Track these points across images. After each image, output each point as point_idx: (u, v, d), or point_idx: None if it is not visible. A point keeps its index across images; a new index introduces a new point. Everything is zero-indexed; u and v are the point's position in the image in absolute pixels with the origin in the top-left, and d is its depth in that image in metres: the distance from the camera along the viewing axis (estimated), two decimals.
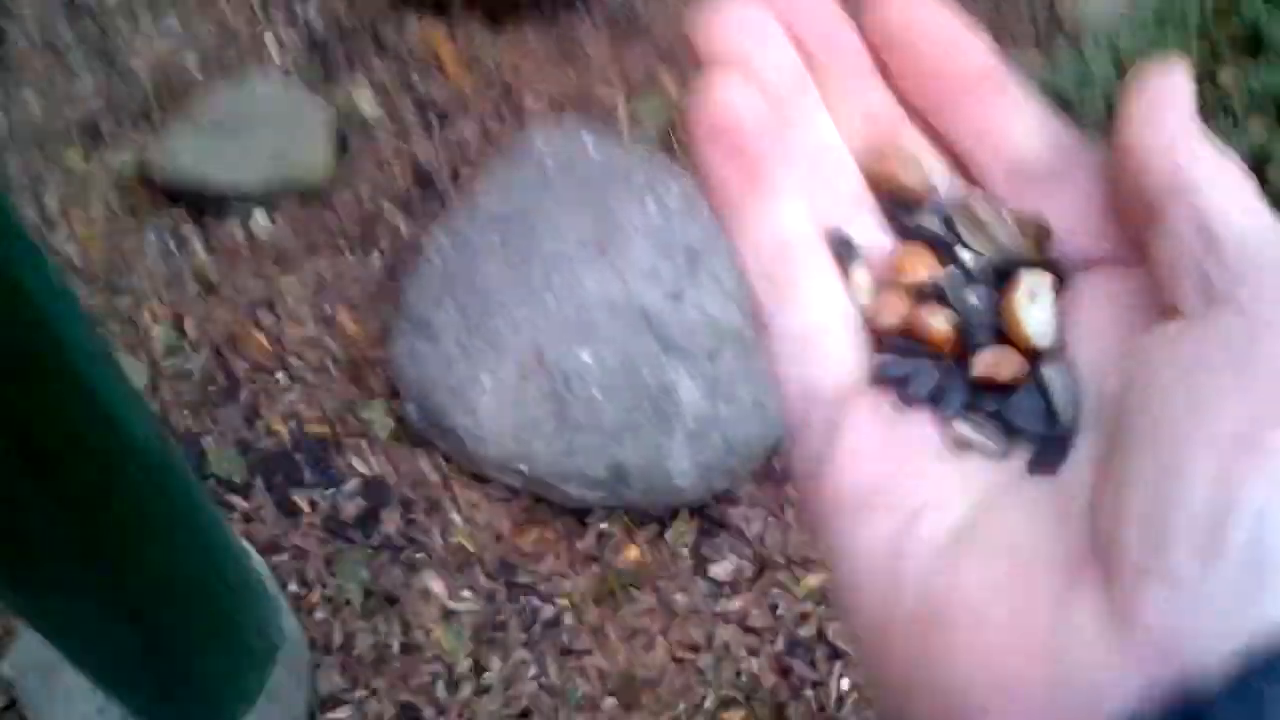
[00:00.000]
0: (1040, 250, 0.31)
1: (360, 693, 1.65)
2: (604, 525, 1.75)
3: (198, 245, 2.00)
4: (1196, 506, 0.23)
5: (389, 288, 1.93)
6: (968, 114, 0.32)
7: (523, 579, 1.72)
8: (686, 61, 1.85)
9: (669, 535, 1.74)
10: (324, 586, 1.73)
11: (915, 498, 0.29)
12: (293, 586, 1.72)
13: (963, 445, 0.30)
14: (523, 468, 1.74)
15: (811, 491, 0.31)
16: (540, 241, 1.81)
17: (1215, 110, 1.81)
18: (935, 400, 0.31)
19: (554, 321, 1.76)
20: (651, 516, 1.75)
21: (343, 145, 2.07)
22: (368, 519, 1.77)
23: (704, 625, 1.68)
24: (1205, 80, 1.83)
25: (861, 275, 0.32)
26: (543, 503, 1.76)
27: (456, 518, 1.76)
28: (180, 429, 1.83)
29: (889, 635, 0.28)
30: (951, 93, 0.32)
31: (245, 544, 1.61)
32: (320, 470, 1.80)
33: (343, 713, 1.64)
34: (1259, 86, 1.77)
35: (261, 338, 1.91)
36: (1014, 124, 0.32)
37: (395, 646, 1.69)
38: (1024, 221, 0.31)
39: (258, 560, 1.62)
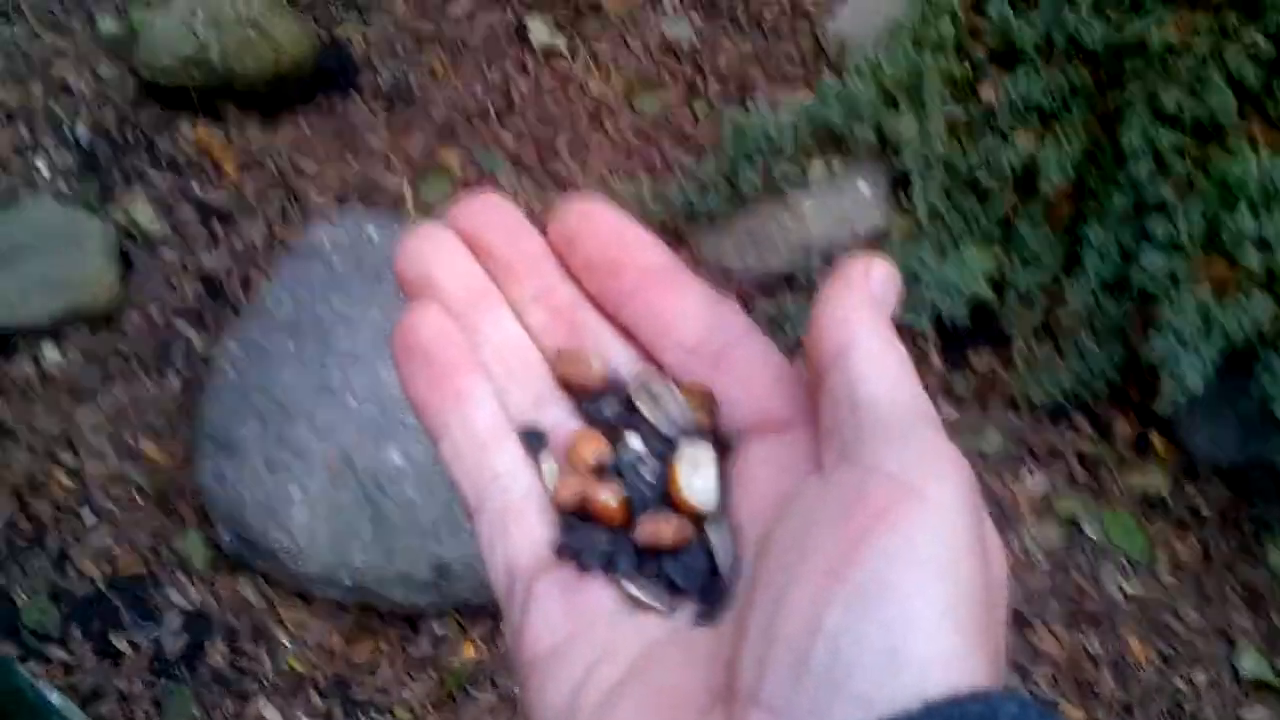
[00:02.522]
0: (710, 417, 0.38)
1: None
2: (436, 627, 1.84)
3: None
4: (791, 635, 0.29)
5: (189, 407, 1.99)
6: (645, 304, 0.40)
7: (359, 694, 1.80)
8: (467, 138, 1.95)
9: (504, 627, 1.82)
10: None
11: (591, 654, 0.35)
12: None
13: (635, 604, 0.36)
14: (345, 579, 1.82)
15: (515, 658, 0.37)
16: (335, 341, 1.90)
17: (980, 127, 1.96)
18: (607, 566, 0.37)
19: (358, 423, 1.84)
20: (484, 611, 1.84)
21: (127, 263, 2.14)
22: (193, 654, 1.83)
23: None
24: (969, 98, 1.99)
25: (548, 462, 0.39)
26: (371, 612, 1.84)
27: (285, 640, 1.84)
28: None
29: None
30: (630, 286, 0.40)
31: (59, 698, 1.66)
32: (138, 609, 1.86)
33: None
34: (1019, 97, 1.93)
35: (63, 477, 1.96)
36: (685, 311, 0.39)
37: None
38: (693, 393, 0.38)
39: (74, 712, 1.67)
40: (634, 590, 0.36)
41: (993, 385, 1.94)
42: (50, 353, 2.08)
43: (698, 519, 0.37)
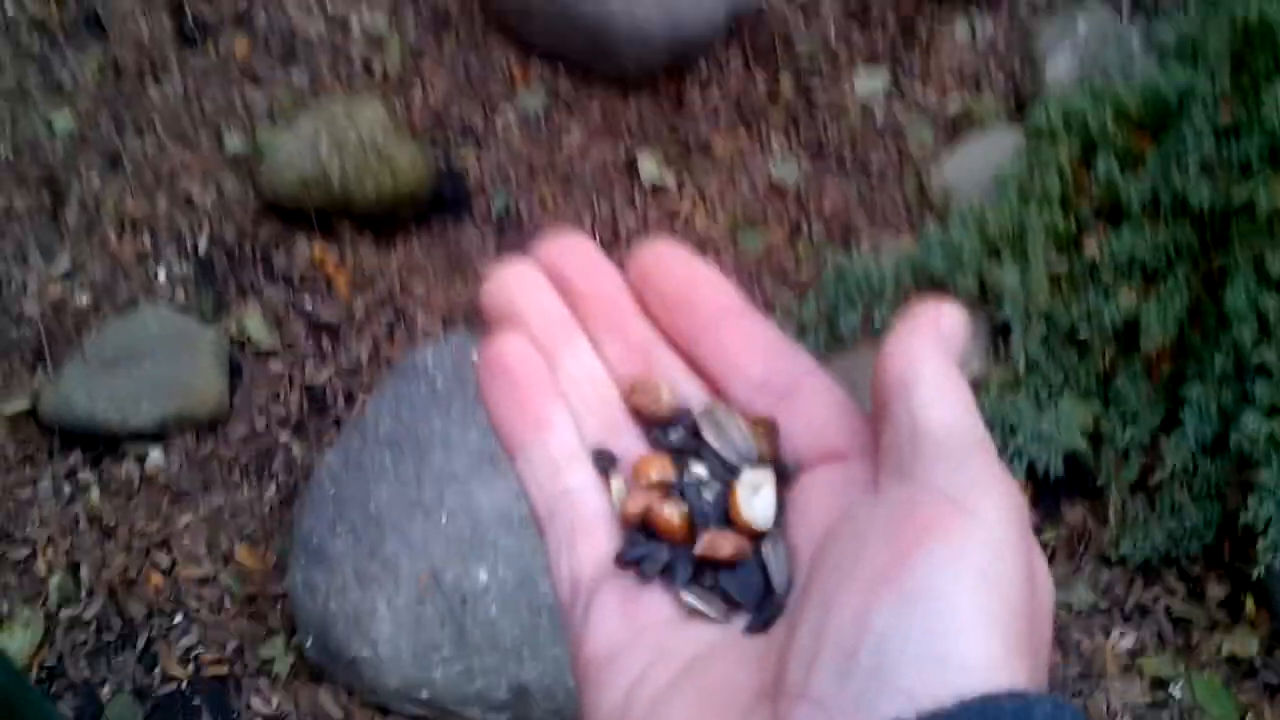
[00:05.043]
0: (772, 446, 0.43)
1: None
2: None
3: (94, 488, 2.27)
4: (839, 634, 0.32)
5: (285, 516, 2.20)
6: (716, 341, 0.45)
7: None
8: None
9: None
10: None
11: (647, 657, 0.39)
12: None
13: (692, 613, 0.41)
14: (424, 695, 1.97)
15: (575, 662, 0.42)
16: (432, 460, 2.09)
17: (1083, 281, 2.11)
18: (666, 576, 0.42)
19: (449, 541, 2.02)
20: None
21: (235, 373, 2.37)
22: None
23: None
24: (1072, 252, 2.15)
25: (618, 482, 0.44)
26: None
27: None
28: (76, 680, 2.06)
29: None
30: (701, 324, 0.45)
31: None
32: (220, 713, 2.03)
33: None
34: (1123, 254, 2.08)
35: (158, 579, 2.17)
36: (753, 349, 0.44)
37: None
38: (756, 424, 0.43)
39: None
40: (691, 599, 0.41)
41: (1084, 538, 2.06)
42: (155, 456, 2.30)
43: (755, 538, 0.42)
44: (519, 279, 0.46)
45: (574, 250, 0.47)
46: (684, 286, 0.45)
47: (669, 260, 0.46)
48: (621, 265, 0.47)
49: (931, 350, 0.38)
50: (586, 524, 0.44)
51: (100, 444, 2.32)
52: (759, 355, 0.44)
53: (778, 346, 0.44)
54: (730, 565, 0.41)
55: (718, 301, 0.45)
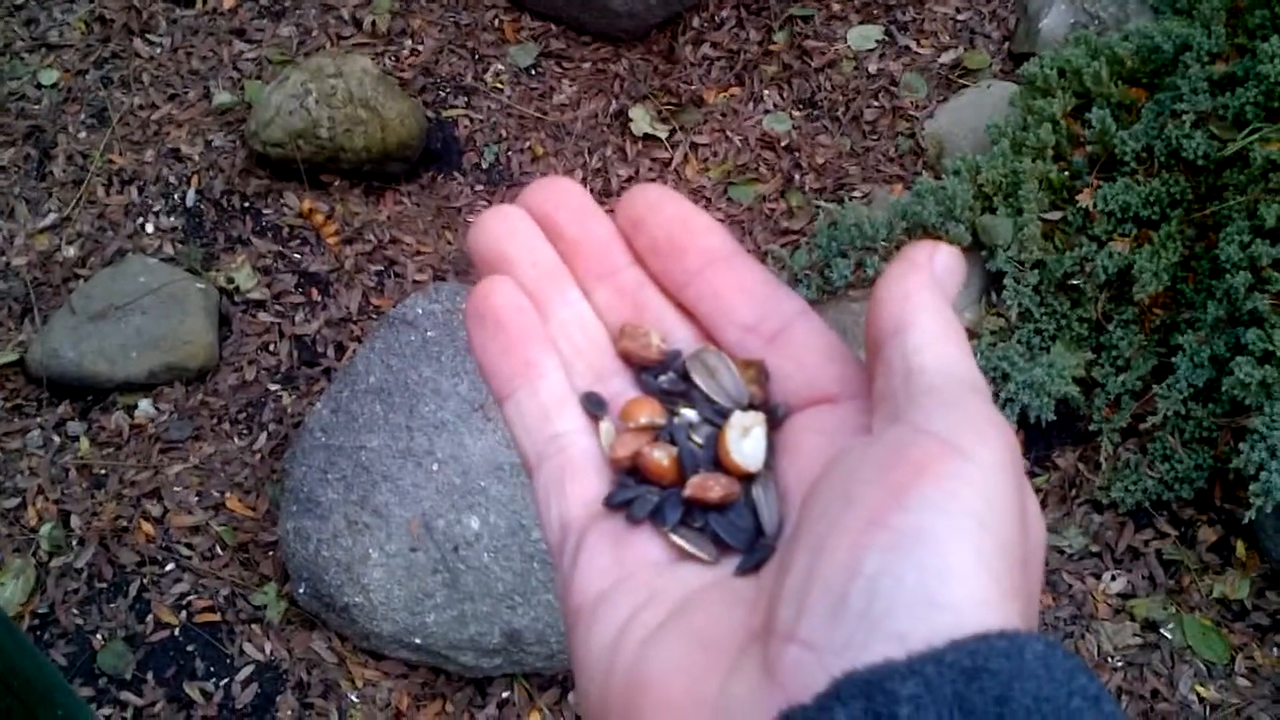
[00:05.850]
0: (763, 389, 0.43)
1: None
2: (505, 693, 2.01)
3: (83, 439, 2.29)
4: (830, 576, 0.32)
5: (276, 466, 2.21)
6: (706, 285, 0.45)
7: None
8: None
9: (572, 698, 1.99)
10: None
11: (636, 599, 0.39)
12: None
13: (681, 554, 0.41)
14: (417, 640, 2.00)
15: (564, 604, 0.42)
16: (422, 409, 2.11)
17: (1076, 232, 2.14)
18: (656, 518, 0.42)
19: (440, 489, 2.04)
20: (553, 680, 2.01)
21: (224, 324, 2.39)
22: (263, 705, 2.01)
23: None
24: (1066, 203, 2.17)
25: (607, 425, 0.45)
26: (441, 674, 2.02)
27: (353, 697, 2.01)
28: (69, 627, 2.08)
29: (606, 712, 0.38)
30: (692, 268, 0.45)
31: None
32: (213, 659, 2.06)
33: None
34: (1117, 205, 2.11)
35: (149, 528, 2.18)
36: (744, 292, 0.45)
37: None
38: (746, 366, 0.44)
39: None
40: (680, 541, 0.41)
41: (1076, 484, 2.09)
42: (145, 407, 2.32)
43: (746, 480, 0.42)
44: (507, 224, 0.47)
45: (563, 195, 0.47)
46: (674, 230, 0.46)
47: (659, 204, 0.46)
48: (611, 210, 0.47)
49: (926, 292, 0.38)
50: (576, 468, 0.44)
51: (89, 395, 2.33)
52: (749, 298, 0.45)
53: (768, 289, 0.45)
54: (720, 507, 0.42)
55: (708, 245, 0.46)
